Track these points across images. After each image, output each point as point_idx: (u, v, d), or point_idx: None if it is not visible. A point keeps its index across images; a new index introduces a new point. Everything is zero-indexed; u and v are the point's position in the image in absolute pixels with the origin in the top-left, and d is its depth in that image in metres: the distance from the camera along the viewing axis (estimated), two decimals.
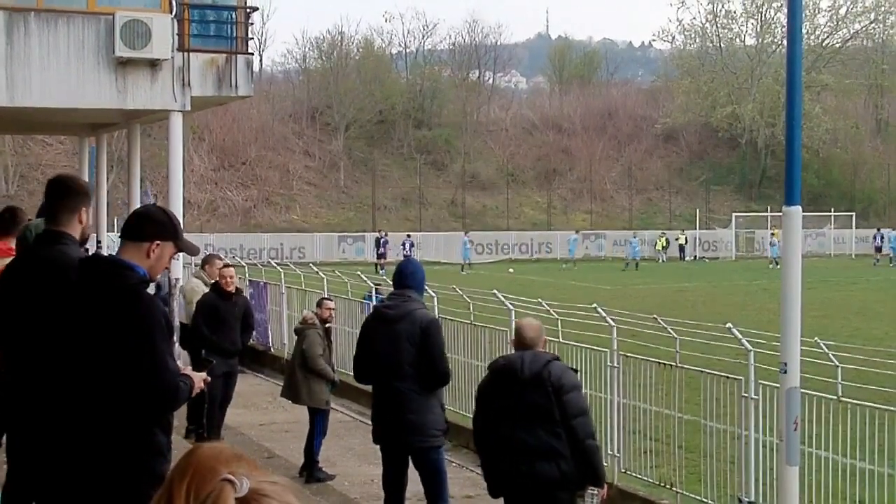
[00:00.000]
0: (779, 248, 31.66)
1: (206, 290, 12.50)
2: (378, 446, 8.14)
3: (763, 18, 70.65)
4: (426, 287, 8.61)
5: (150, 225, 4.42)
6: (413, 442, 7.71)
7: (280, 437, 12.73)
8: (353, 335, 16.14)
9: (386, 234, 49.55)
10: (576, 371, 7.14)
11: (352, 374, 15.50)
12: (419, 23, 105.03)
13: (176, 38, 16.43)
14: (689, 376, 10.02)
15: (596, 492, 6.61)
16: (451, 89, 70.03)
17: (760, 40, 70.80)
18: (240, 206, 55.78)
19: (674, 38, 76.26)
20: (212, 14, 17.55)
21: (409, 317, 7.58)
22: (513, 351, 7.05)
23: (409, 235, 50.48)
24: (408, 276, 7.89)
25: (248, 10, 17.77)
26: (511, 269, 46.82)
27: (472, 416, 7.33)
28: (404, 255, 46.99)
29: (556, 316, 11.87)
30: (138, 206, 18.75)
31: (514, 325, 8.25)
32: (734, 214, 60.10)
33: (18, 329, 4.84)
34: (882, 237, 54.46)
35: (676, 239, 57.24)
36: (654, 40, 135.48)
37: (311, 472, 10.95)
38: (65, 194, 4.90)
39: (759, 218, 58.11)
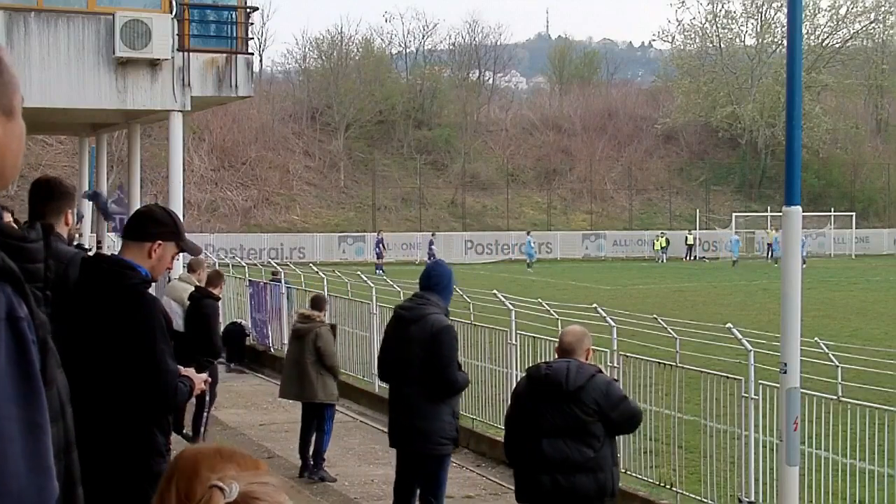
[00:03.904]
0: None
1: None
2: (382, 448, 8.12)
3: (763, 18, 70.63)
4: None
5: (151, 225, 4.43)
6: (418, 448, 7.57)
7: (280, 437, 12.73)
8: (353, 334, 16.19)
9: (380, 234, 49.66)
10: (616, 380, 7.01)
11: (351, 374, 15.67)
12: (419, 23, 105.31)
13: (176, 38, 16.46)
14: (689, 376, 10.02)
15: None
16: (451, 89, 70.02)
17: (760, 40, 70.77)
18: (240, 206, 55.78)
19: (674, 38, 76.21)
20: (212, 14, 17.57)
21: (423, 321, 7.42)
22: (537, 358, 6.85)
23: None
24: (432, 278, 7.69)
25: (248, 10, 17.79)
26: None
27: (504, 418, 7.05)
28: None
29: (557, 316, 11.86)
30: (137, 206, 18.76)
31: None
32: (734, 214, 60.05)
33: None
34: None
35: (686, 240, 57.36)
36: (654, 40, 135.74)
37: (317, 468, 10.95)
38: (51, 196, 4.88)
39: (759, 218, 58.11)
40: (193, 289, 12.64)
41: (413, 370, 7.42)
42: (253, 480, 1.60)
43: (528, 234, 52.35)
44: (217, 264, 21.48)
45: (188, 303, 12.17)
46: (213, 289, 11.96)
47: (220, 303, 12.55)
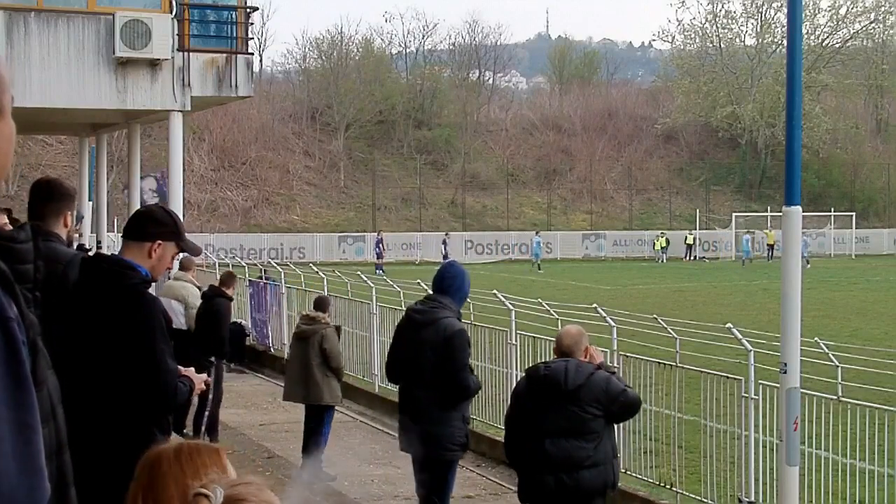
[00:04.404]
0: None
1: (197, 291, 12.53)
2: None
3: (763, 18, 70.65)
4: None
5: (151, 225, 4.43)
6: (427, 452, 7.49)
7: (280, 437, 12.73)
8: (353, 334, 16.18)
9: (380, 234, 49.66)
10: (614, 373, 7.03)
11: (351, 374, 15.66)
12: (419, 23, 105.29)
13: (176, 38, 16.46)
14: (689, 376, 10.02)
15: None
16: (451, 89, 70.02)
17: (760, 40, 70.78)
18: (240, 206, 55.79)
19: (674, 38, 76.25)
20: (212, 14, 17.58)
21: (436, 325, 7.30)
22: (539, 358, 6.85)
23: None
24: (445, 280, 7.53)
25: (248, 10, 17.80)
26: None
27: (504, 419, 7.07)
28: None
29: (557, 316, 11.86)
30: (139, 203, 18.79)
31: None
32: (734, 214, 60.08)
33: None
34: None
35: (686, 240, 57.43)
36: (654, 40, 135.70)
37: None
38: (51, 197, 4.88)
39: (759, 218, 58.13)
40: (192, 286, 12.68)
41: (425, 374, 7.31)
42: (237, 482, 1.58)
43: (536, 234, 52.35)
44: (217, 264, 21.50)
45: (200, 301, 12.21)
46: (225, 289, 12.00)
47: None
